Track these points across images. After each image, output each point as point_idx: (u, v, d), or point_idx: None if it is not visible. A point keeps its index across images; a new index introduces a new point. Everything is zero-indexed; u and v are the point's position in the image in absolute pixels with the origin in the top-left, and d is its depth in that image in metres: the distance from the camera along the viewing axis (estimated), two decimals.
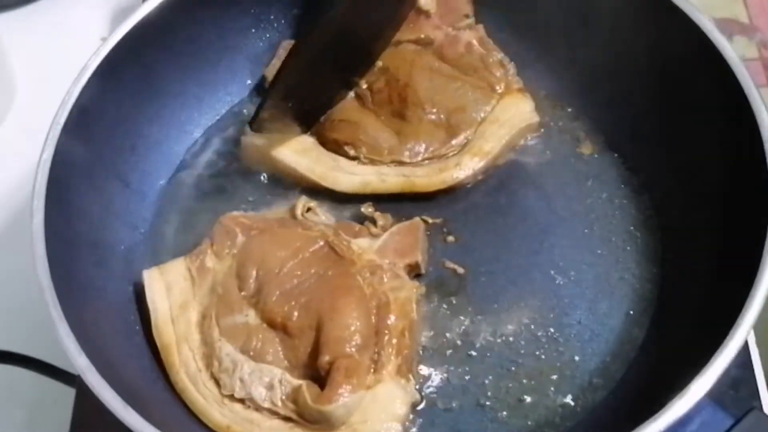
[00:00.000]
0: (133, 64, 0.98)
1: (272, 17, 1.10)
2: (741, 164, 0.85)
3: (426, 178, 0.98)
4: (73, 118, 0.91)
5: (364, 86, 1.03)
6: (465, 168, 0.98)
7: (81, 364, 0.77)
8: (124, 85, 0.98)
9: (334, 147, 1.01)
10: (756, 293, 0.74)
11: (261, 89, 1.10)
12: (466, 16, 1.06)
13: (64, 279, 0.82)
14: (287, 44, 1.07)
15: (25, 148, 0.91)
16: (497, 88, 1.02)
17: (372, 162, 0.99)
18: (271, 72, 1.06)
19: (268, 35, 1.11)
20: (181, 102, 1.06)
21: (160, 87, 1.04)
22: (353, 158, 1.00)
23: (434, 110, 1.00)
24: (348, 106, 1.03)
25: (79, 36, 1.03)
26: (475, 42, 1.05)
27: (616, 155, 1.01)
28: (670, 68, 0.95)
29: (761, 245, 0.77)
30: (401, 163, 0.99)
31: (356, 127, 1.00)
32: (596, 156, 1.01)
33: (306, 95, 0.99)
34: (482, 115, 1.01)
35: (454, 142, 0.99)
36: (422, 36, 1.05)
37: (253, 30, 1.10)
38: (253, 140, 1.02)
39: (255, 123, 0.97)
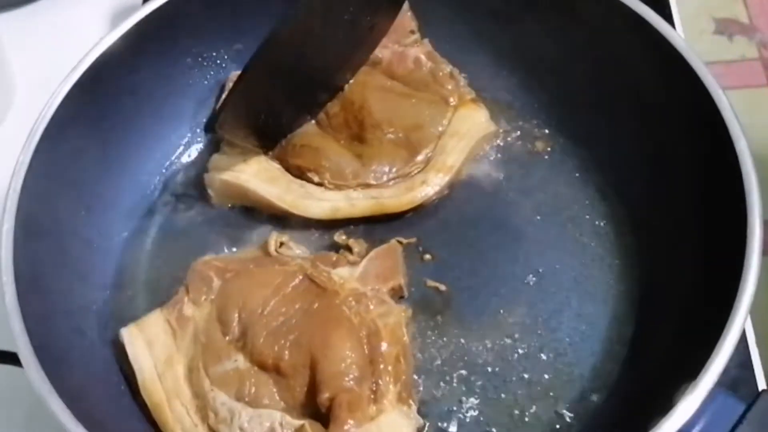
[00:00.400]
0: (77, 123, 0.95)
1: (214, 54, 1.09)
2: (708, 155, 0.87)
3: (395, 199, 0.98)
4: (28, 184, 0.88)
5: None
6: (432, 185, 0.98)
7: None
8: (71, 145, 0.96)
9: (298, 173, 1.00)
10: (746, 279, 0.76)
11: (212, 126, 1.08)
12: (412, 32, 1.06)
13: (47, 352, 0.80)
14: (234, 76, 1.05)
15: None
16: (450, 100, 1.03)
17: (338, 187, 0.99)
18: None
19: (212, 73, 1.09)
20: (130, 153, 1.04)
21: (106, 142, 1.01)
22: (318, 184, 0.99)
23: (392, 130, 1.00)
24: (310, 131, 1.02)
25: (79, 36, 1.02)
26: (423, 57, 1.05)
27: (577, 155, 1.02)
28: (622, 66, 0.97)
29: (743, 234, 0.78)
30: (368, 186, 0.99)
31: (318, 153, 1.00)
32: (558, 158, 1.03)
33: (263, 113, 0.97)
34: (440, 129, 1.01)
35: (417, 159, 1.00)
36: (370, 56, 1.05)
37: (196, 70, 1.08)
38: (218, 176, 1.00)
39: (215, 123, 0.93)
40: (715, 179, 0.86)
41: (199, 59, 1.08)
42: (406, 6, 1.05)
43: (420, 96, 1.03)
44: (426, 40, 1.06)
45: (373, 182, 0.99)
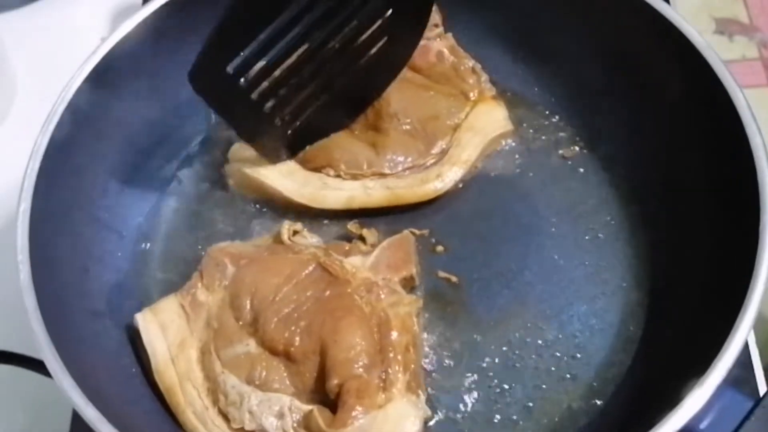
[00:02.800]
0: (95, 106, 0.96)
1: None
2: (724, 156, 0.87)
3: (410, 190, 0.98)
4: (45, 167, 0.89)
5: None
6: (446, 179, 0.98)
7: (90, 415, 0.76)
8: (90, 128, 0.96)
9: (313, 169, 1.00)
10: (758, 275, 0.76)
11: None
12: (436, 26, 1.06)
13: (58, 331, 0.81)
14: None
15: (25, 148, 0.90)
16: (470, 95, 1.03)
17: (354, 177, 0.99)
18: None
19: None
20: (147, 137, 1.04)
21: (123, 125, 1.02)
22: (336, 176, 0.99)
23: (408, 120, 1.00)
24: None
25: (79, 36, 1.03)
26: (445, 50, 1.05)
27: (592, 151, 1.02)
28: (638, 62, 0.97)
29: (755, 229, 0.78)
30: (383, 176, 0.99)
31: (328, 148, 0.99)
32: (573, 154, 1.03)
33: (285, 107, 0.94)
34: (456, 122, 1.01)
35: (432, 151, 1.00)
36: None
37: None
38: (238, 167, 1.01)
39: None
40: (730, 177, 0.86)
41: None
42: None
43: (439, 88, 1.03)
44: (449, 34, 1.06)
45: (387, 171, 0.99)
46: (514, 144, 1.04)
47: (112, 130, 1.00)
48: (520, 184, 1.01)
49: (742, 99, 0.84)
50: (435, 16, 1.05)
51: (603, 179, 1.00)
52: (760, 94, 0.78)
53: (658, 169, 0.97)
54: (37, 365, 0.96)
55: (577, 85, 1.04)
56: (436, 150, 1.00)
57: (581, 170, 1.01)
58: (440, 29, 1.06)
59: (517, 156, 1.03)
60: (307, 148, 1.00)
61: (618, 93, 1.01)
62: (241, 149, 1.01)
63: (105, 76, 0.96)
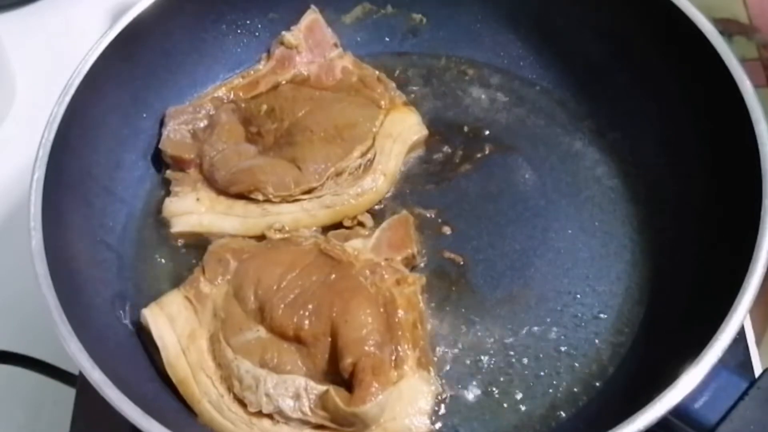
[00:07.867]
0: (110, 81, 0.98)
1: (248, 22, 1.10)
2: (728, 139, 0.88)
3: (349, 205, 0.98)
4: (61, 136, 0.90)
5: (255, 131, 1.03)
6: (379, 189, 1.00)
7: (96, 378, 0.77)
8: (105, 101, 0.98)
9: (238, 194, 0.99)
10: (758, 255, 0.77)
11: None
12: (335, 45, 1.09)
13: (68, 298, 0.81)
14: (171, 111, 1.05)
15: (25, 147, 0.91)
16: (381, 103, 1.04)
17: (285, 199, 0.98)
18: (165, 145, 1.02)
19: (245, 41, 1.11)
20: (161, 113, 1.05)
21: (138, 100, 1.03)
22: (266, 201, 0.98)
23: (322, 130, 1.00)
24: (239, 155, 1.01)
25: (79, 36, 1.03)
26: (349, 65, 1.08)
27: (602, 139, 1.03)
28: (654, 53, 0.99)
29: (756, 214, 0.79)
30: (314, 191, 0.98)
31: (252, 172, 0.98)
32: (579, 139, 1.03)
33: None
34: (373, 129, 1.02)
35: (353, 154, 1.00)
36: (296, 73, 1.08)
37: (230, 36, 1.10)
38: (178, 228, 0.99)
39: None
40: (734, 163, 0.86)
41: (234, 26, 1.10)
42: (323, 22, 1.08)
43: (351, 100, 1.04)
44: (349, 53, 1.09)
45: (315, 184, 0.98)
46: (522, 127, 1.05)
47: (128, 104, 1.02)
48: (528, 168, 1.02)
49: (749, 86, 0.85)
50: (332, 38, 1.09)
51: (610, 165, 1.01)
52: (760, 94, 0.79)
53: (664, 157, 0.97)
54: (36, 365, 0.99)
55: (588, 74, 1.05)
56: (356, 153, 1.00)
57: (589, 156, 1.02)
58: (339, 49, 1.09)
59: (525, 139, 1.04)
60: (224, 172, 0.99)
61: (626, 81, 1.02)
62: (173, 203, 0.99)
63: (120, 53, 0.97)
